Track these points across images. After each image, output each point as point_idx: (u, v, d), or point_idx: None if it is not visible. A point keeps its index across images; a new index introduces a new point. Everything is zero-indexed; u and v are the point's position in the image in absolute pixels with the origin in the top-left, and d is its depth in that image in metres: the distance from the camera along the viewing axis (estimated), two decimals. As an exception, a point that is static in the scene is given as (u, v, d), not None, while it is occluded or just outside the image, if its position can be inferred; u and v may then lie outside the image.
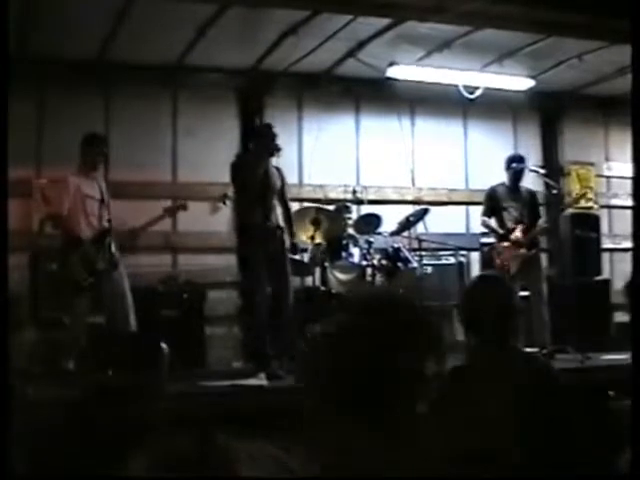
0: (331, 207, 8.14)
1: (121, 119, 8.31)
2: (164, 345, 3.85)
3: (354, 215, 8.22)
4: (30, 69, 7.77)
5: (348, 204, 8.18)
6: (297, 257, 7.32)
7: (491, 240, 8.20)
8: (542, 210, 8.37)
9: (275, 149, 6.74)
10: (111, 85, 8.37)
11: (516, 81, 8.92)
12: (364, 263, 7.68)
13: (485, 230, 8.23)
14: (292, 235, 7.00)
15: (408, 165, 9.48)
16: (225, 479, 1.06)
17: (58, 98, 8.02)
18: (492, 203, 7.99)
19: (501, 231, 7.87)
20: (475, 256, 9.01)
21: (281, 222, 6.91)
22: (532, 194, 8.09)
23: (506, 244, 7.77)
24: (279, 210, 6.95)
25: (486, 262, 8.28)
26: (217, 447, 1.09)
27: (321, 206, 8.08)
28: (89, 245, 6.38)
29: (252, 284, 6.69)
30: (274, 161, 6.88)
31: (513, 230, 7.80)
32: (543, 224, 8.00)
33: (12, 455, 2.80)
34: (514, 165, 7.92)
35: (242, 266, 6.88)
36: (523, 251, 7.73)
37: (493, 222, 7.99)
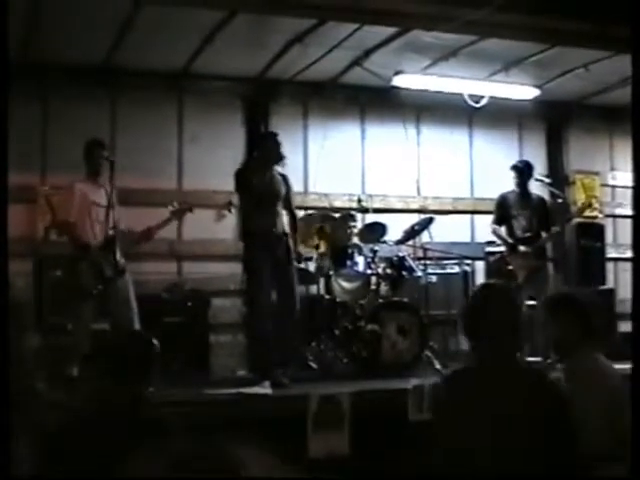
0: (336, 215, 8.13)
1: (127, 126, 8.33)
2: (155, 341, 3.81)
3: (359, 224, 8.18)
4: (36, 75, 7.81)
5: (353, 212, 8.16)
6: (302, 265, 7.31)
7: (496, 249, 8.17)
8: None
9: (280, 158, 6.74)
10: (117, 91, 8.39)
11: (521, 90, 8.91)
12: (369, 272, 7.66)
13: (494, 238, 8.20)
14: (295, 243, 6.98)
15: (413, 174, 9.49)
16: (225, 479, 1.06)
17: (64, 104, 8.03)
18: (502, 211, 7.96)
19: (510, 240, 7.85)
20: (480, 265, 9.00)
21: (287, 229, 6.91)
22: (543, 201, 8.07)
23: (514, 253, 7.75)
24: (285, 217, 6.95)
25: (492, 271, 8.25)
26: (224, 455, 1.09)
27: (326, 214, 8.08)
28: (97, 252, 6.37)
29: (256, 291, 6.68)
30: (279, 168, 6.89)
31: (522, 239, 7.78)
32: (553, 230, 7.95)
33: (14, 458, 2.80)
34: (515, 163, 7.96)
35: (247, 273, 6.86)
36: (531, 260, 7.71)
37: (503, 230, 7.97)
